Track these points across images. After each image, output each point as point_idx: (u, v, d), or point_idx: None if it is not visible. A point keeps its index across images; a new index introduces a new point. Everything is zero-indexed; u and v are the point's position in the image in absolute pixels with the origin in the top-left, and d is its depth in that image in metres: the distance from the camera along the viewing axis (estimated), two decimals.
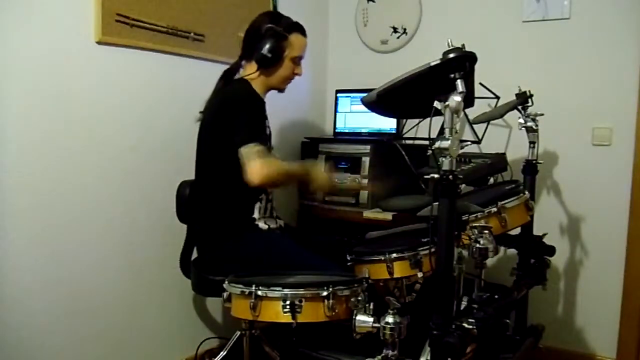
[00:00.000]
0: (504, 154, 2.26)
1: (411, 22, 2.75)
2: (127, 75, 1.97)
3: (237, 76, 1.92)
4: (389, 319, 1.40)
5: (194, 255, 1.99)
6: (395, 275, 1.68)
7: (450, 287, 1.42)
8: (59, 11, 1.75)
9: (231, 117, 1.75)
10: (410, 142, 2.60)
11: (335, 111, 2.81)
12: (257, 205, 1.87)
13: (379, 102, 1.47)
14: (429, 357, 1.37)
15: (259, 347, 1.86)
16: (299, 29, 1.90)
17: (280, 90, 1.97)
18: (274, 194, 1.97)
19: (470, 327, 1.38)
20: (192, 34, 2.17)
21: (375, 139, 2.56)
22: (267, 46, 1.82)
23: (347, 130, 2.76)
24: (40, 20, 1.70)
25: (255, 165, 1.66)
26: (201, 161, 1.88)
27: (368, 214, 2.38)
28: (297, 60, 1.91)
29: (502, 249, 2.38)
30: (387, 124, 2.64)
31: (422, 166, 2.17)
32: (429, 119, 1.31)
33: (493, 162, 2.18)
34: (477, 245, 1.55)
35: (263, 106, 1.85)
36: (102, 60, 1.88)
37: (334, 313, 1.43)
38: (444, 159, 1.28)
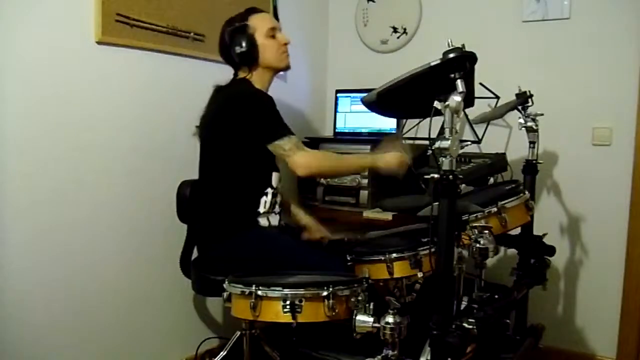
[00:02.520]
0: (504, 154, 2.25)
1: (411, 22, 2.75)
2: (127, 75, 1.97)
3: None
4: (389, 319, 1.40)
5: (194, 255, 1.99)
6: (395, 275, 1.68)
7: (450, 287, 1.42)
8: (59, 11, 1.75)
9: (244, 113, 1.74)
10: (410, 142, 2.60)
11: (335, 111, 2.80)
12: (263, 200, 1.86)
13: (379, 102, 1.47)
14: (429, 357, 1.37)
15: (259, 347, 1.86)
16: (253, 10, 1.92)
17: (285, 68, 1.96)
18: (279, 188, 1.95)
19: (470, 327, 1.39)
20: (192, 34, 2.17)
21: (375, 139, 2.55)
22: (238, 44, 1.84)
23: (347, 130, 2.76)
24: (40, 20, 1.70)
25: (301, 157, 1.69)
26: (206, 160, 1.88)
27: (368, 214, 2.38)
28: (272, 33, 1.89)
29: (502, 249, 2.38)
30: (387, 124, 2.64)
31: (422, 166, 2.17)
32: (429, 119, 1.31)
33: (493, 162, 2.17)
34: (477, 245, 1.55)
35: (273, 100, 1.84)
36: (102, 60, 1.88)
37: (334, 313, 1.43)
38: (444, 159, 1.28)
